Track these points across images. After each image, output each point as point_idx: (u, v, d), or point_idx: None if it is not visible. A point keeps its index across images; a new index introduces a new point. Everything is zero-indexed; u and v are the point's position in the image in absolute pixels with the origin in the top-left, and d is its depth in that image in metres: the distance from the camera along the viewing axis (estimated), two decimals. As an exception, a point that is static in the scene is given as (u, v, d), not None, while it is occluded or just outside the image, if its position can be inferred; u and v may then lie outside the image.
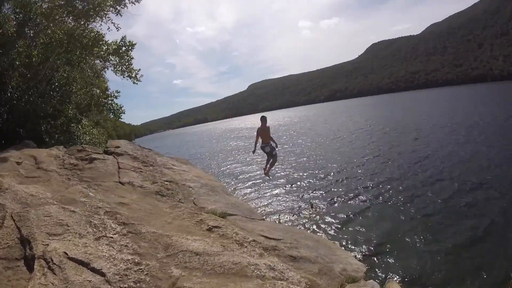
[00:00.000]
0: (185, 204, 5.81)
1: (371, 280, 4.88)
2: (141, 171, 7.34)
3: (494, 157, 18.39)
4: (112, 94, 16.66)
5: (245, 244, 4.25)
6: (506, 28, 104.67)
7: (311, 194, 17.88)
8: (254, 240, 4.43)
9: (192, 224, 4.50)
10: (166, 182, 6.80)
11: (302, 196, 17.78)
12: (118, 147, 8.97)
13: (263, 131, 8.79)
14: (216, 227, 4.50)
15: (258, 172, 25.08)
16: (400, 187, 16.58)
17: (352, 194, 17.27)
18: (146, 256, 3.38)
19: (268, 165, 9.51)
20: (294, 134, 55.67)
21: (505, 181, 14.41)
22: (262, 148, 8.93)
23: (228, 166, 30.93)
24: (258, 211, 13.98)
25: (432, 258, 9.26)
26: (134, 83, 12.94)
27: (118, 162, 7.75)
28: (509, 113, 32.84)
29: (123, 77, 12.52)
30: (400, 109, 65.44)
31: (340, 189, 18.23)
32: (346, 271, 4.67)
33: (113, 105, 16.19)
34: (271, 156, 9.04)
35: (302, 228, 12.61)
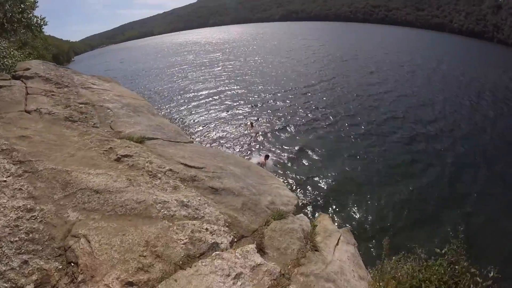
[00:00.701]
0: (100, 128, 5.49)
1: (301, 215, 4.89)
2: (53, 95, 6.51)
3: (449, 108, 19.54)
4: (29, 5, 13.29)
5: (158, 175, 4.09)
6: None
7: (254, 114, 18.10)
8: (170, 170, 4.30)
9: (99, 154, 4.25)
10: (80, 105, 6.21)
11: (244, 116, 17.92)
12: (27, 69, 7.68)
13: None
14: (126, 156, 4.30)
15: (198, 90, 24.08)
16: (350, 121, 17.08)
17: (299, 119, 17.39)
18: (41, 200, 3.15)
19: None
20: (246, 51, 52.90)
21: (455, 133, 15.57)
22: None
23: (166, 84, 28.90)
24: (188, 132, 14.06)
25: (370, 200, 9.87)
26: None
27: (26, 87, 6.74)
28: (466, 68, 34.83)
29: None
30: (358, 39, 65.25)
31: (287, 112, 18.55)
32: (274, 204, 4.63)
33: (31, 18, 13.16)
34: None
35: (236, 151, 13.15)
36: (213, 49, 60.63)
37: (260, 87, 24.98)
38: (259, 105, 20.07)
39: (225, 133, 15.08)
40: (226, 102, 20.66)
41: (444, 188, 10.99)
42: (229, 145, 13.00)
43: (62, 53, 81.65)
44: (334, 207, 9.61)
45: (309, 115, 18.13)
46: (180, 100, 21.61)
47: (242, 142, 14.05)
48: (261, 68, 34.44)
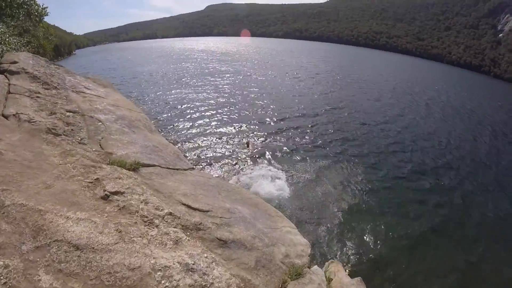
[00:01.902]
0: (88, 146, 4.60)
1: (316, 267, 4.45)
2: (38, 97, 5.63)
3: (454, 142, 19.44)
4: None
5: (156, 221, 3.28)
6: (477, 23, 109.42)
7: (253, 133, 17.45)
8: (170, 214, 3.50)
9: (82, 187, 3.36)
10: (68, 113, 5.32)
11: (243, 134, 17.18)
12: (14, 62, 6.82)
13: None
14: (116, 193, 3.42)
15: (198, 102, 23.33)
16: (356, 148, 16.49)
17: (300, 142, 16.67)
18: (6, 250, 2.32)
19: None
20: (248, 65, 53.04)
21: (461, 168, 15.38)
22: None
23: (165, 92, 27.61)
24: (188, 155, 13.07)
25: (379, 239, 9.17)
26: None
27: (9, 84, 5.85)
28: (465, 100, 35.52)
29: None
30: (362, 63, 66.15)
31: (288, 134, 17.94)
32: (289, 257, 4.11)
33: (32, 5, 12.54)
34: None
35: (237, 175, 12.36)
36: (216, 59, 60.58)
37: (261, 104, 24.49)
38: (259, 123, 19.47)
39: (223, 152, 14.37)
40: (225, 117, 19.93)
41: (454, 230, 10.60)
42: (230, 170, 12.05)
43: (64, 45, 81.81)
44: (340, 246, 8.88)
45: (311, 138, 17.57)
46: (179, 112, 20.65)
47: (240, 163, 13.39)
48: (265, 84, 34.17)
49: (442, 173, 14.60)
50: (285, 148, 15.55)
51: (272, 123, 19.64)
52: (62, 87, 6.42)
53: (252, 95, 27.49)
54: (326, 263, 5.87)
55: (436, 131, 21.24)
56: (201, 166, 12.26)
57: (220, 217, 4.00)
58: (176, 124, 17.95)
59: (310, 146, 16.22)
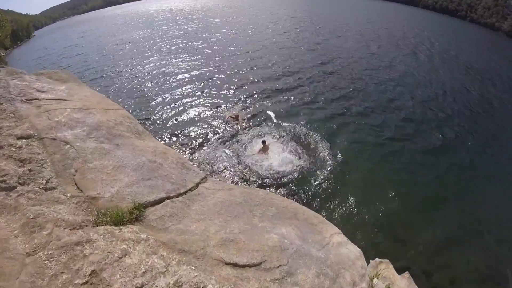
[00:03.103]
0: (58, 192, 3.18)
1: (376, 280, 3.87)
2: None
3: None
4: None
5: None
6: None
7: (240, 102, 15.71)
8: None
9: None
10: (19, 143, 3.74)
11: (229, 103, 15.45)
12: None
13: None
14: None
15: (180, 79, 20.06)
16: (357, 107, 15.57)
17: (303, 103, 15.54)
18: None
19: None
20: (223, 22, 49.09)
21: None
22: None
23: (140, 69, 23.51)
24: (195, 160, 10.61)
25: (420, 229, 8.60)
26: None
27: None
28: (448, 45, 33.60)
29: None
30: (335, 9, 63.52)
31: (288, 96, 16.25)
32: (355, 284, 3.34)
33: None
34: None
35: (235, 147, 11.27)
36: (187, 19, 55.02)
37: (245, 67, 22.34)
38: (244, 89, 17.74)
39: (214, 132, 13.04)
40: (214, 91, 17.96)
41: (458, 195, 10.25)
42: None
43: (21, 29, 78.21)
44: (367, 231, 8.28)
45: (310, 99, 16.31)
46: (161, 92, 18.25)
47: (234, 138, 12.27)
48: (246, 41, 31.10)
49: (446, 131, 14.20)
50: (286, 112, 14.53)
51: (258, 86, 18.02)
52: (6, 99, 4.66)
53: (236, 57, 24.90)
54: (372, 262, 5.14)
55: (431, 82, 20.54)
56: (208, 166, 10.73)
57: (279, 267, 2.86)
58: (163, 111, 15.80)
59: (310, 108, 15.18)
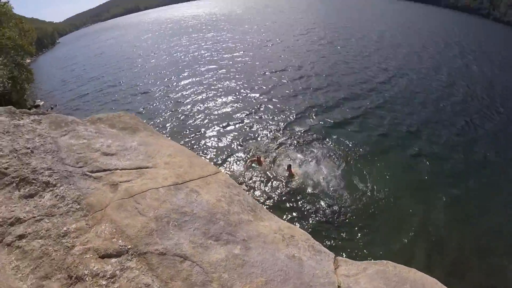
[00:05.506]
0: None
1: None
2: None
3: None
4: None
5: None
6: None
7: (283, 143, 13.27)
8: None
9: None
10: (109, 272, 2.31)
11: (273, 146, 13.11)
12: None
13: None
14: None
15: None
16: (379, 110, 15.90)
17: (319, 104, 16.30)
18: None
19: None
20: (251, 29, 49.42)
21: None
22: None
23: (184, 96, 20.75)
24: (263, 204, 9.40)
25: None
26: None
27: None
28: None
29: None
30: (349, 12, 63.21)
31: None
32: None
33: None
34: None
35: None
36: (210, 27, 54.50)
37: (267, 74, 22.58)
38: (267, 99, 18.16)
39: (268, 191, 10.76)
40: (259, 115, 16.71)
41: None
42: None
43: (45, 36, 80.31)
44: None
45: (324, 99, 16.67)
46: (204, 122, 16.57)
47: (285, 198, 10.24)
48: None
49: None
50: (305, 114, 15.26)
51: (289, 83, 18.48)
52: (61, 176, 3.14)
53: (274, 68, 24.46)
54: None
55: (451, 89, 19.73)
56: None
57: None
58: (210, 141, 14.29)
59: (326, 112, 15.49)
